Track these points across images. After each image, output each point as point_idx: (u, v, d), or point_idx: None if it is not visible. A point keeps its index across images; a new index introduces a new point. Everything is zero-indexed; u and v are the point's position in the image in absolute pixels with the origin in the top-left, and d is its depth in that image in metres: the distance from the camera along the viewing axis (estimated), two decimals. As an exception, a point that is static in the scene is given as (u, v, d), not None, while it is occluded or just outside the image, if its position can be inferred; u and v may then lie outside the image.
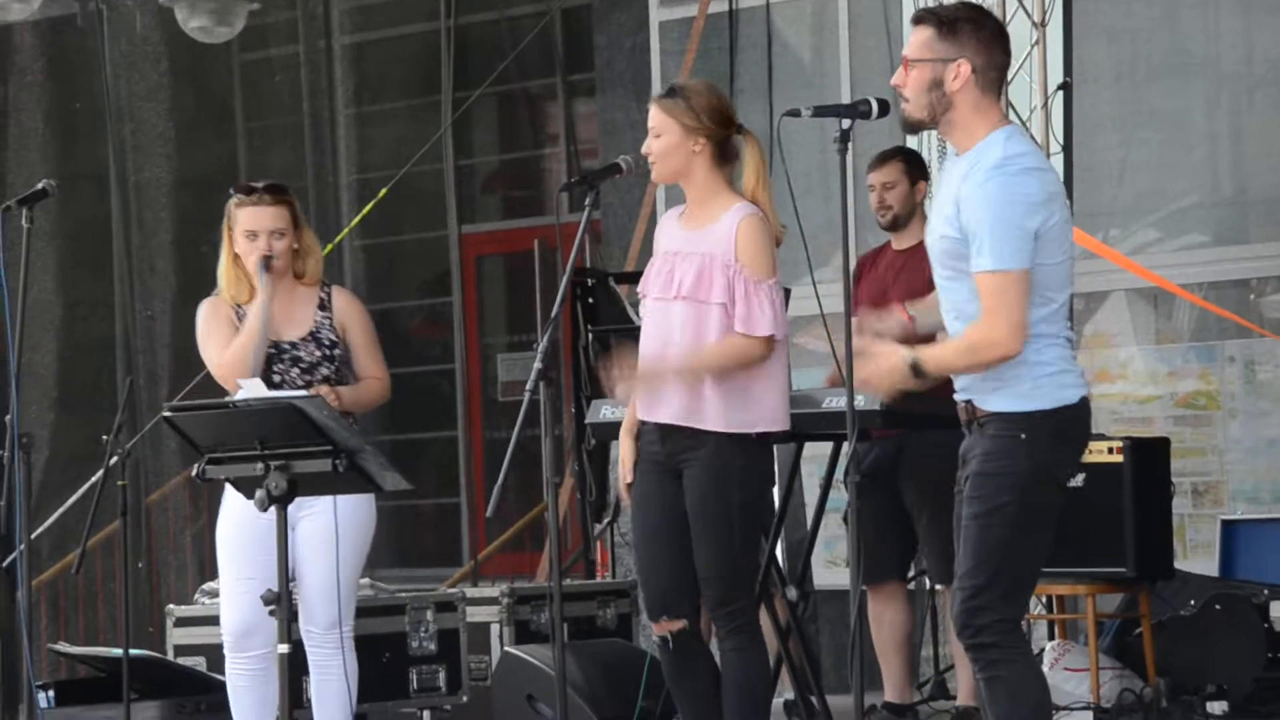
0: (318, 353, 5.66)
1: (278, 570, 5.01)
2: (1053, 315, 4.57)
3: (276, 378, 5.64)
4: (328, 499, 5.49)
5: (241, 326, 5.64)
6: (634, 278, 8.06)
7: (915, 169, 6.58)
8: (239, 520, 5.62)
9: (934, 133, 6.10)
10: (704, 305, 5.25)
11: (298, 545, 5.54)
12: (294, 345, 5.66)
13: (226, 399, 5.40)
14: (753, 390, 5.25)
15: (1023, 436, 4.52)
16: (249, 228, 5.67)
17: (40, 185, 5.82)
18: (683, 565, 5.29)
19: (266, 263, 5.64)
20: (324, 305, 5.71)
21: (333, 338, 5.69)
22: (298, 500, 5.40)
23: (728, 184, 5.33)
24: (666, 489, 5.32)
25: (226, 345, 5.63)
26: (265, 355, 5.64)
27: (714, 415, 5.24)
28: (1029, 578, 4.59)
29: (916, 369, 4.55)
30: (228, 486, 5.63)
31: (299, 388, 5.59)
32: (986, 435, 4.57)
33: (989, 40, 4.61)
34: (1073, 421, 4.56)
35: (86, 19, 10.11)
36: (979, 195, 4.55)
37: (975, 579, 4.52)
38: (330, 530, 5.49)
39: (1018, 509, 4.50)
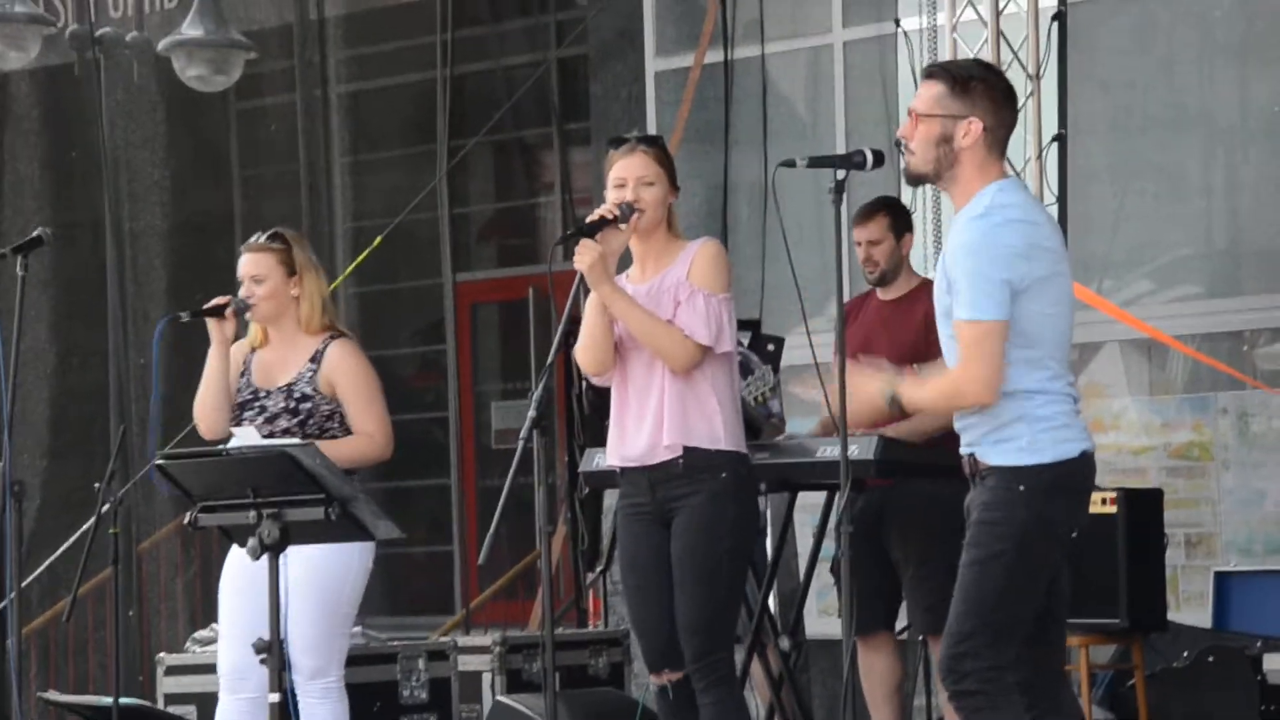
0: (281, 404, 5.65)
1: (269, 618, 5.00)
2: (1051, 370, 4.58)
3: (245, 423, 5.67)
4: (310, 547, 5.48)
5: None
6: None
7: (900, 221, 6.58)
8: (237, 566, 5.67)
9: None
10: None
11: (290, 590, 5.53)
12: (267, 394, 5.68)
13: (220, 447, 5.40)
14: (706, 408, 5.24)
15: (1021, 489, 4.55)
16: (239, 274, 5.73)
17: (35, 233, 5.83)
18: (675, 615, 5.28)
19: (218, 311, 5.66)
20: (315, 358, 5.70)
21: (306, 391, 5.65)
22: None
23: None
24: (652, 538, 5.31)
25: None
26: (236, 400, 5.67)
27: (708, 432, 5.21)
28: (1017, 628, 4.58)
29: (894, 401, 4.61)
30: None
31: (264, 436, 5.59)
32: (986, 487, 4.60)
33: (1000, 100, 4.64)
34: (1072, 475, 4.59)
35: (83, 68, 10.13)
36: (958, 244, 4.60)
37: (963, 625, 4.54)
38: (311, 579, 5.46)
39: (1013, 559, 4.52)
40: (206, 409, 5.69)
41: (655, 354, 5.23)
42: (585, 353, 5.33)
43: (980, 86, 4.62)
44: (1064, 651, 4.84)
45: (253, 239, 5.75)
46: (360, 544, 5.50)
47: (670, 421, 5.24)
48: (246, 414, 5.67)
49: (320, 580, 5.52)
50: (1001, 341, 4.51)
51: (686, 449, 5.25)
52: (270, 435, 5.60)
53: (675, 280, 5.28)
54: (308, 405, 5.65)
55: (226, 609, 5.70)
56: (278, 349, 5.73)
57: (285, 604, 5.46)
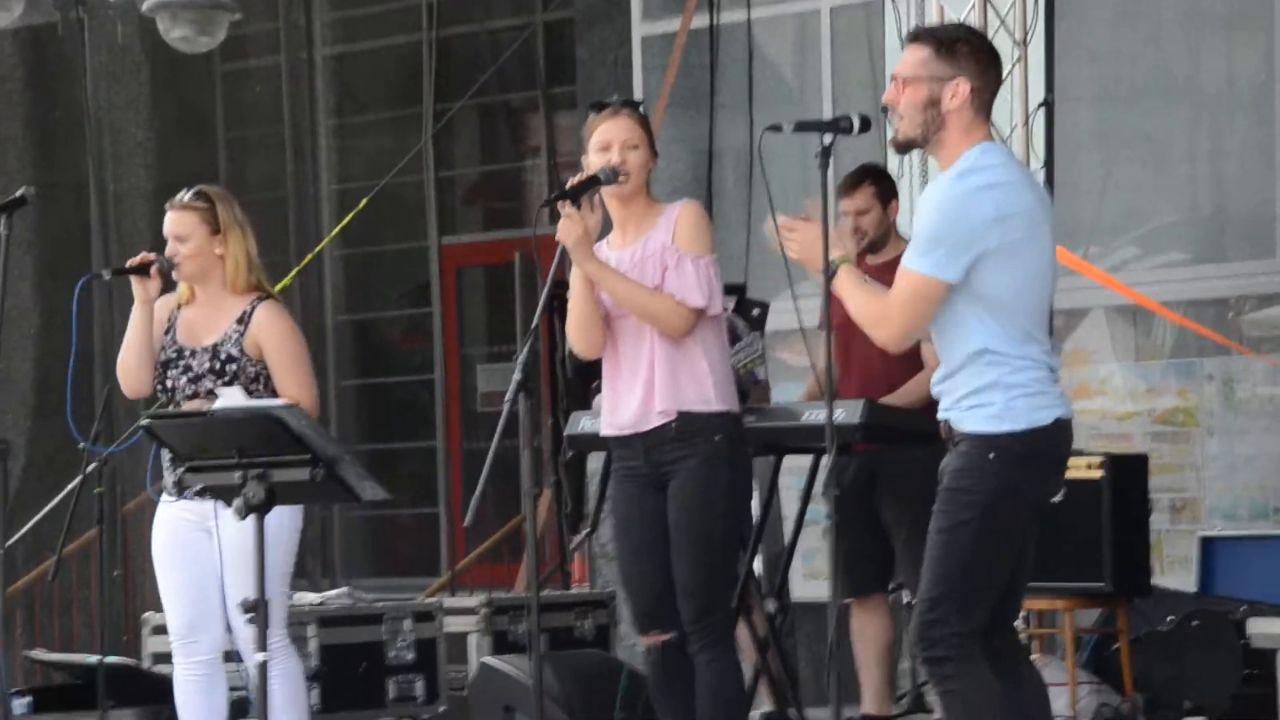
0: (207, 364, 5.60)
1: (255, 578, 5.00)
2: (1026, 336, 4.58)
3: (169, 383, 5.63)
4: None
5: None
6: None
7: (885, 188, 6.58)
8: (165, 535, 5.65)
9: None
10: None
11: (220, 555, 5.52)
12: (192, 353, 5.63)
13: (206, 407, 5.38)
14: (697, 370, 5.25)
15: (990, 456, 4.55)
16: (165, 233, 5.69)
17: (19, 193, 5.79)
18: (668, 577, 5.29)
19: (142, 269, 5.61)
20: (243, 319, 5.63)
21: (231, 353, 5.60)
22: (206, 508, 5.47)
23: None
24: (648, 502, 5.31)
25: None
26: (159, 359, 5.62)
27: (699, 394, 5.22)
28: (987, 594, 4.60)
29: (835, 269, 4.67)
30: (160, 501, 5.65)
31: (187, 396, 5.58)
32: (959, 453, 4.61)
33: (985, 61, 4.64)
34: (1045, 443, 4.58)
35: (67, 28, 10.08)
36: (929, 197, 4.61)
37: (933, 592, 4.56)
38: (244, 542, 5.44)
39: (979, 526, 4.53)
40: (129, 367, 5.63)
41: (649, 323, 5.24)
42: (576, 335, 5.33)
43: (965, 48, 4.62)
44: (1016, 618, 4.87)
45: (176, 197, 5.70)
46: (292, 506, 5.48)
47: (662, 387, 5.25)
48: (170, 372, 5.62)
49: (247, 544, 5.47)
50: (935, 301, 4.53)
51: (680, 413, 5.25)
52: (194, 395, 5.57)
53: (659, 245, 5.28)
54: (233, 366, 5.59)
55: (164, 580, 5.66)
56: (204, 307, 5.67)
57: (221, 570, 5.48)
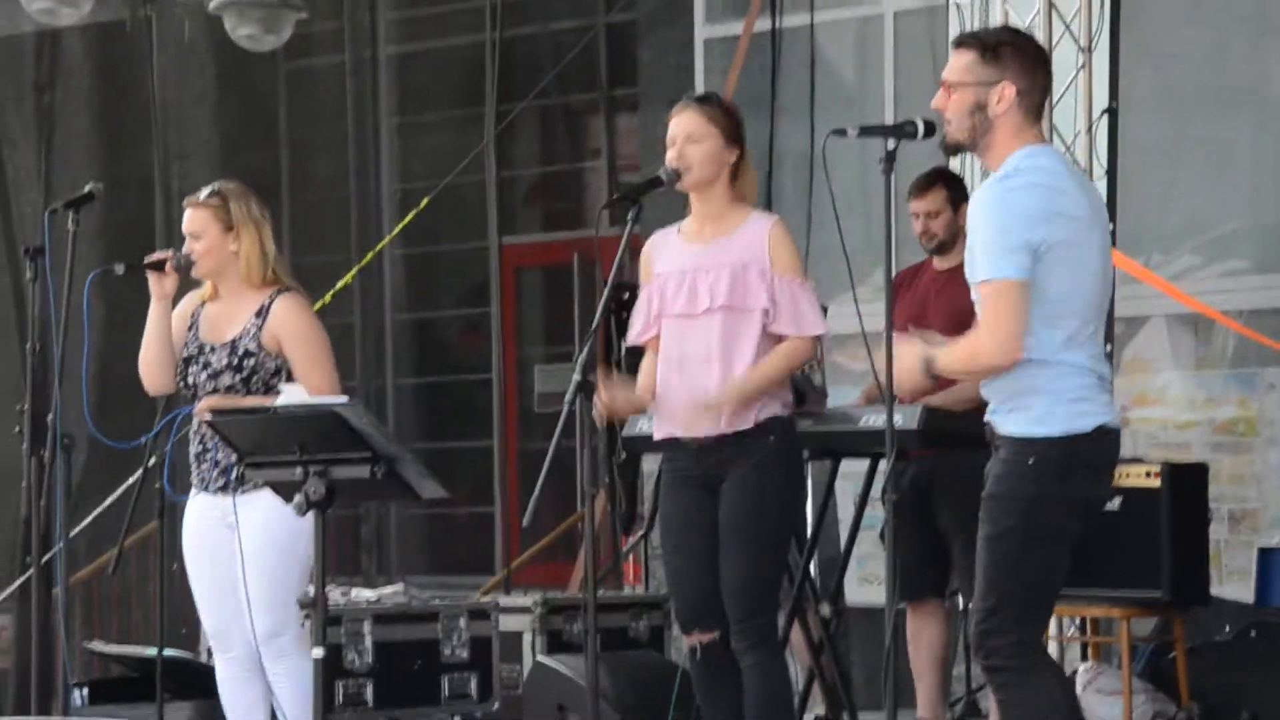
0: (225, 360, 5.62)
1: (315, 573, 5.03)
2: (1071, 341, 4.55)
3: (190, 379, 5.66)
4: (262, 507, 5.46)
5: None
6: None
7: (956, 192, 6.58)
8: (193, 530, 5.68)
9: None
10: (743, 312, 5.25)
11: (241, 550, 5.55)
12: (211, 349, 5.65)
13: (268, 404, 5.41)
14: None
15: (1030, 461, 4.54)
16: (183, 230, 5.74)
17: (87, 189, 5.86)
18: (714, 576, 5.29)
19: (158, 265, 5.65)
20: (261, 312, 5.64)
21: (249, 348, 5.60)
22: (227, 503, 5.50)
23: (738, 197, 5.36)
24: (699, 503, 5.32)
25: None
26: (181, 355, 5.65)
27: (752, 414, 5.23)
28: (1043, 600, 4.59)
29: (927, 364, 4.63)
30: (190, 495, 5.68)
31: (208, 392, 5.59)
32: (999, 459, 4.60)
33: (1031, 63, 4.62)
34: (1086, 450, 4.55)
35: (135, 25, 10.17)
36: (976, 205, 4.59)
37: (987, 601, 4.55)
38: (264, 540, 5.45)
39: (1024, 533, 4.52)
40: (149, 364, 5.68)
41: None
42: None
43: (1010, 50, 4.60)
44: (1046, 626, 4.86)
45: (193, 195, 5.74)
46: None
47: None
48: (191, 369, 5.64)
49: (275, 542, 5.50)
50: (1020, 301, 4.47)
51: (735, 432, 5.26)
52: (214, 391, 5.59)
53: (752, 253, 5.26)
54: (251, 361, 5.60)
55: (193, 579, 5.69)
56: (225, 303, 5.70)
57: (243, 567, 5.50)
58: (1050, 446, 4.52)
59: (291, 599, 5.57)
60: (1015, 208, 4.51)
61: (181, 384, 5.69)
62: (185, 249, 5.68)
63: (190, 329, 5.71)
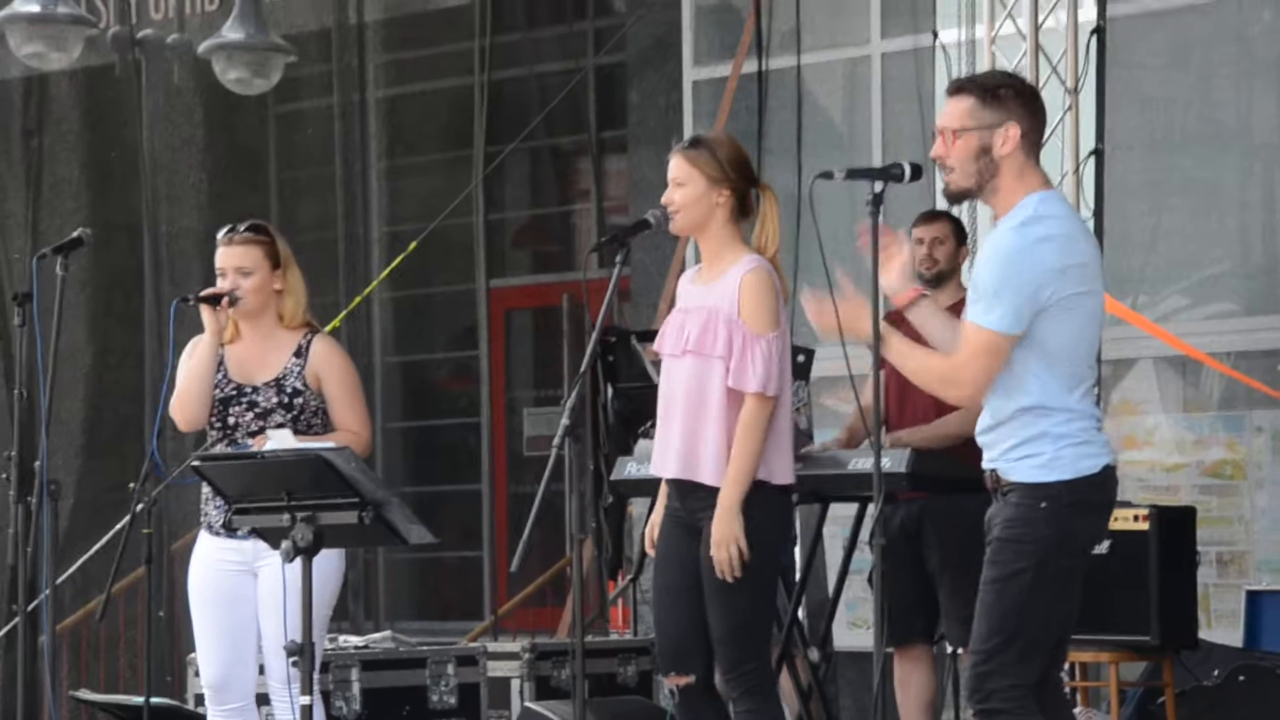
0: (275, 399, 5.57)
1: (302, 621, 5.01)
2: (1074, 387, 4.58)
3: (231, 420, 5.59)
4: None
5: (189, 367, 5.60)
6: (657, 336, 8.07)
7: (960, 231, 6.61)
8: (204, 573, 5.62)
9: (970, 204, 6.11)
10: (708, 359, 5.25)
11: (259, 596, 5.53)
12: (254, 390, 5.58)
13: (255, 449, 5.39)
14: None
15: (1043, 505, 4.55)
16: (218, 266, 5.63)
17: (76, 234, 5.82)
18: (695, 620, 5.28)
19: (214, 300, 5.57)
20: (300, 352, 5.61)
21: (297, 386, 5.58)
22: (255, 547, 5.43)
23: (741, 238, 5.35)
24: (684, 545, 5.31)
25: None
26: (215, 396, 5.58)
27: (710, 468, 5.23)
28: (1043, 644, 4.59)
29: (890, 332, 4.67)
30: (199, 537, 5.64)
31: (252, 433, 5.56)
32: (1009, 503, 4.61)
33: (1030, 104, 4.66)
34: (1094, 491, 4.59)
35: (124, 69, 10.18)
36: (994, 249, 4.60)
37: (988, 643, 4.55)
38: (293, 583, 5.43)
39: (1034, 576, 4.52)
40: (193, 399, 5.56)
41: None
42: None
43: (1009, 92, 4.62)
44: (1062, 668, 4.85)
45: (232, 230, 5.65)
46: (338, 550, 5.47)
47: (708, 458, 5.23)
48: (233, 409, 5.59)
49: (297, 588, 5.46)
50: (1001, 356, 4.54)
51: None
52: (259, 431, 5.54)
53: (727, 301, 5.23)
54: (299, 400, 5.57)
55: (202, 621, 5.63)
56: (254, 344, 5.64)
57: (257, 608, 5.47)
58: (1063, 490, 4.54)
59: (316, 645, 5.54)
60: (1032, 261, 4.53)
61: (217, 425, 5.61)
62: (228, 285, 5.58)
63: (218, 370, 5.63)
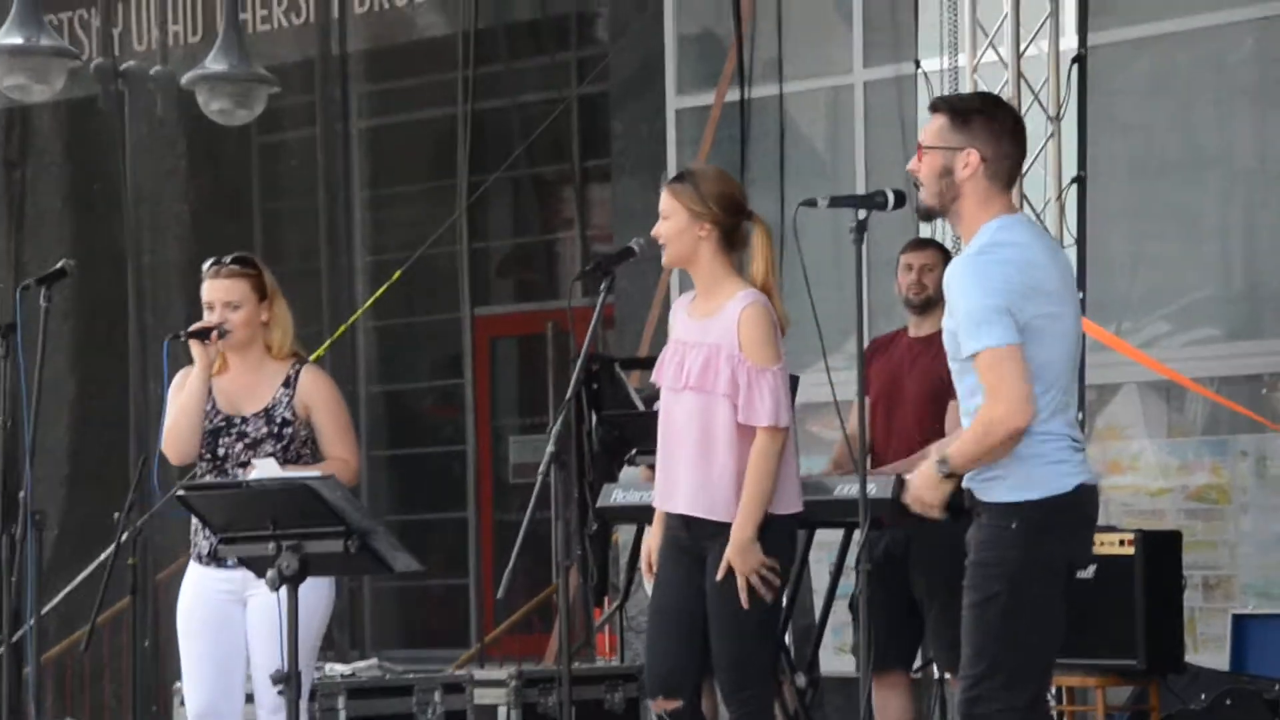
0: (264, 429, 5.60)
1: (286, 649, 5.00)
2: (1046, 409, 4.55)
3: (221, 450, 5.61)
4: None
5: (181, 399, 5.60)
6: (641, 363, 8.08)
7: (949, 259, 6.63)
8: (193, 600, 5.62)
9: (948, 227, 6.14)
10: (710, 396, 5.27)
11: (250, 626, 5.54)
12: (244, 420, 5.61)
13: (240, 479, 5.39)
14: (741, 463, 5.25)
15: (1014, 526, 4.54)
16: (206, 299, 5.66)
17: (59, 265, 5.84)
18: (689, 645, 5.29)
19: (203, 334, 5.59)
20: (289, 383, 5.65)
21: (286, 416, 5.61)
22: (245, 576, 5.43)
23: (734, 270, 5.35)
24: (685, 571, 5.32)
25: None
26: (205, 428, 5.59)
27: (722, 505, 5.25)
28: (1032, 666, 4.57)
29: (944, 466, 4.58)
30: (189, 566, 5.64)
31: (242, 464, 5.57)
32: (981, 525, 4.60)
33: (999, 132, 4.63)
34: (1068, 508, 4.57)
35: (107, 100, 10.18)
36: (953, 280, 4.60)
37: (974, 668, 4.54)
38: (277, 611, 5.42)
39: (1009, 599, 4.51)
40: (185, 433, 5.58)
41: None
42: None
43: (979, 119, 4.62)
44: (1048, 690, 4.82)
45: (218, 263, 5.67)
46: (328, 579, 5.47)
47: (721, 494, 5.25)
48: (223, 440, 5.60)
49: (279, 616, 5.45)
50: (1021, 363, 4.48)
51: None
52: (247, 463, 5.55)
53: (726, 337, 5.25)
54: (289, 430, 5.60)
55: (190, 649, 5.62)
56: (241, 375, 5.66)
57: (246, 636, 5.47)
58: (1033, 510, 4.53)
59: (305, 674, 5.53)
60: (996, 280, 4.52)
61: (207, 455, 5.63)
62: (216, 318, 5.61)
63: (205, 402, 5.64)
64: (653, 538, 5.42)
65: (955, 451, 4.59)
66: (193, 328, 5.61)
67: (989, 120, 4.63)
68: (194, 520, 5.57)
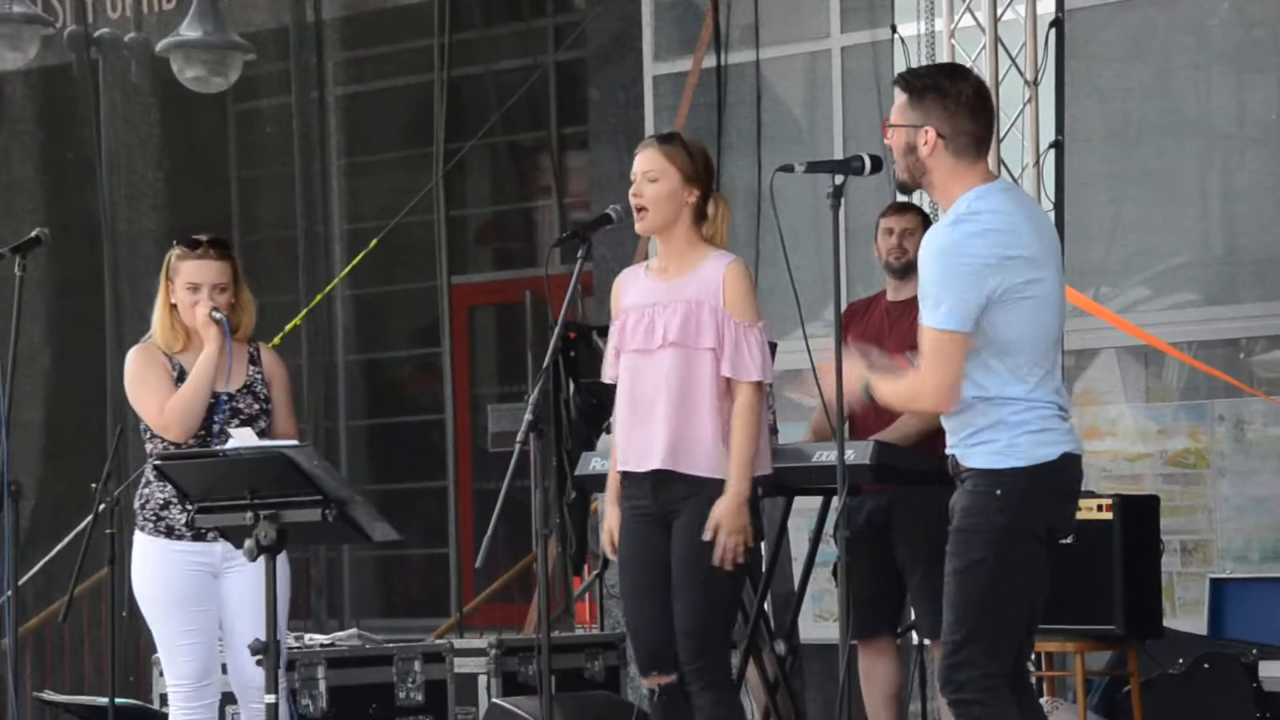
0: (255, 405, 5.69)
1: (266, 620, 4.99)
2: (1030, 376, 4.58)
3: (216, 427, 5.64)
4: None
5: (188, 378, 5.63)
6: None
7: (929, 223, 6.62)
8: (161, 577, 5.61)
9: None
10: (693, 350, 5.25)
11: (227, 600, 5.55)
12: (232, 396, 5.67)
13: (217, 448, 5.39)
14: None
15: (997, 493, 4.55)
16: (192, 280, 5.68)
17: (34, 233, 5.83)
18: (670, 620, 5.27)
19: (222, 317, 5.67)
20: (254, 360, 5.76)
21: (265, 393, 5.72)
22: (224, 550, 5.44)
23: (702, 239, 5.34)
24: (652, 541, 5.31)
25: (162, 393, 5.62)
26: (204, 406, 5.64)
27: (704, 459, 5.23)
28: (1012, 633, 4.59)
29: (868, 390, 4.69)
30: (147, 542, 5.60)
31: (223, 440, 5.58)
32: (965, 491, 4.62)
33: (954, 108, 4.61)
34: (1052, 477, 4.58)
35: (81, 68, 10.13)
36: (927, 247, 4.61)
37: (956, 634, 4.55)
38: (256, 585, 5.42)
39: (993, 565, 4.53)
40: (196, 414, 5.61)
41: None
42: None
43: (931, 95, 4.61)
44: (1029, 657, 4.86)
45: (202, 245, 5.70)
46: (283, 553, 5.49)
47: (702, 449, 5.26)
48: (217, 416, 5.64)
49: (258, 590, 5.45)
50: (959, 352, 4.53)
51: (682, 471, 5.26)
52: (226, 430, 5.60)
53: (707, 293, 5.25)
54: (269, 405, 5.71)
55: (177, 622, 5.60)
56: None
57: (224, 610, 5.49)
58: (1016, 477, 4.54)
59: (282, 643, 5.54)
60: (967, 257, 4.52)
61: (200, 430, 5.65)
62: (207, 300, 5.66)
63: (179, 380, 5.67)
64: (609, 517, 5.40)
65: (883, 387, 4.68)
66: (217, 314, 5.65)
67: (941, 97, 4.61)
68: (160, 495, 5.56)
